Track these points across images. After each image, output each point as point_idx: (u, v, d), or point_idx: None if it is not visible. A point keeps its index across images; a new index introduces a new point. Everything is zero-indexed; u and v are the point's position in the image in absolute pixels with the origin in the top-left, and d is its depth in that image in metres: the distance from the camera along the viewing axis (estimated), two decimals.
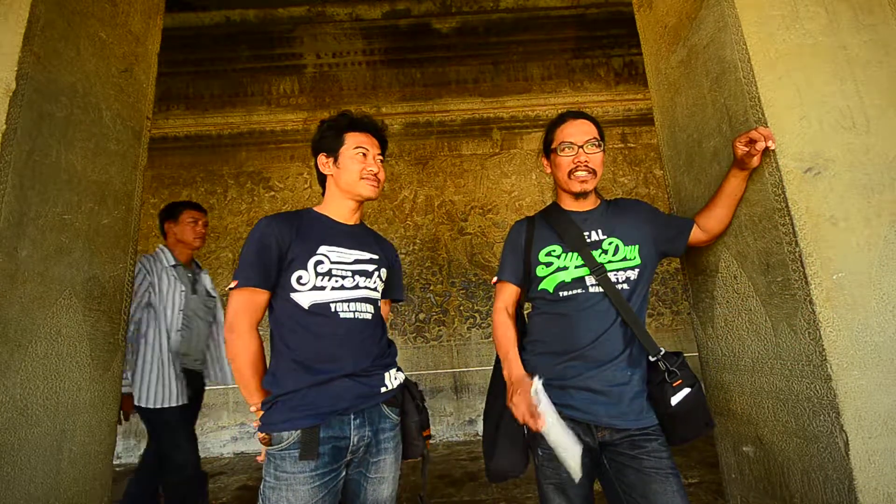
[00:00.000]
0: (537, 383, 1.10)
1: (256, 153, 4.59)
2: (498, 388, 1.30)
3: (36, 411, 1.19)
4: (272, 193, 4.53)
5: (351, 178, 1.23)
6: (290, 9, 4.34)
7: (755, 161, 1.19)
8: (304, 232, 1.19)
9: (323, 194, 1.32)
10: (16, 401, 1.14)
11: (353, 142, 1.25)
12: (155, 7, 1.76)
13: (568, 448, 1.06)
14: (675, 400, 1.12)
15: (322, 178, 1.31)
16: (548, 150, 1.34)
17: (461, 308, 4.33)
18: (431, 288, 4.37)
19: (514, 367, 1.21)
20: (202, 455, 4.35)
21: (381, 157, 1.29)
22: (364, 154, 1.24)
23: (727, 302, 1.38)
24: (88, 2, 1.44)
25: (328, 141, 1.27)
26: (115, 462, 1.51)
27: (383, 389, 1.17)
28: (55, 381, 1.25)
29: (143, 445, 4.10)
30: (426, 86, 4.62)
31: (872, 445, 1.02)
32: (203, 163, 4.57)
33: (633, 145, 4.65)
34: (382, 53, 4.57)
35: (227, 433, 4.05)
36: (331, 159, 1.26)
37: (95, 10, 1.46)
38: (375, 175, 1.25)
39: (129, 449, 4.05)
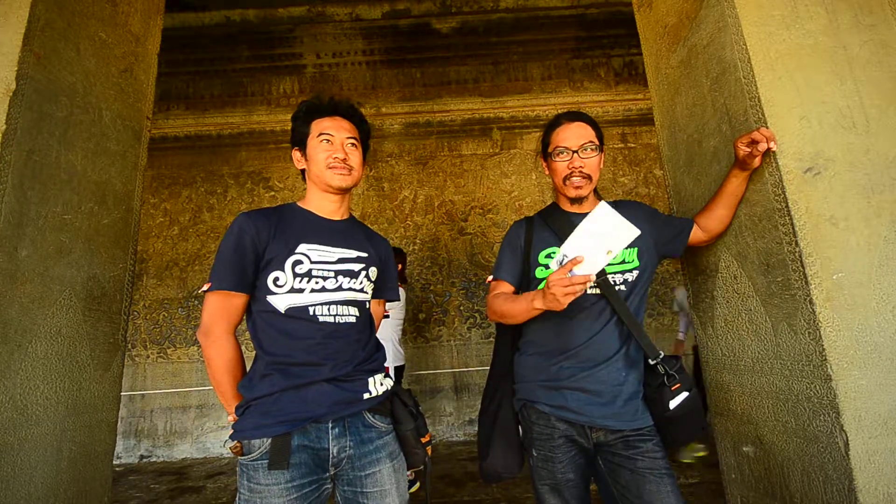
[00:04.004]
0: (555, 258, 1.04)
1: (256, 153, 4.59)
2: (493, 389, 1.30)
3: (36, 411, 1.19)
4: (272, 193, 4.53)
5: (318, 168, 1.15)
6: (290, 9, 4.34)
7: (756, 162, 1.19)
8: (283, 229, 1.10)
9: None
10: (16, 401, 1.14)
11: (318, 129, 1.16)
12: (155, 7, 1.76)
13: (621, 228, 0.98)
14: (673, 403, 1.12)
15: (304, 174, 1.23)
16: (545, 152, 1.32)
17: (461, 308, 4.32)
18: (431, 288, 4.37)
19: (533, 292, 1.11)
20: (201, 455, 4.32)
21: (353, 141, 1.18)
22: (328, 140, 1.15)
23: (727, 302, 1.38)
24: (88, 2, 1.44)
25: (297, 133, 1.20)
26: (115, 462, 1.51)
27: (366, 396, 1.08)
28: (55, 381, 1.25)
29: (144, 445, 4.13)
30: (426, 86, 4.62)
31: (872, 445, 1.02)
32: (203, 163, 4.57)
33: (633, 145, 4.65)
34: (382, 53, 4.58)
35: (227, 433, 4.05)
36: (302, 152, 1.19)
37: (95, 10, 1.46)
38: (344, 161, 1.14)
39: (129, 449, 4.05)
